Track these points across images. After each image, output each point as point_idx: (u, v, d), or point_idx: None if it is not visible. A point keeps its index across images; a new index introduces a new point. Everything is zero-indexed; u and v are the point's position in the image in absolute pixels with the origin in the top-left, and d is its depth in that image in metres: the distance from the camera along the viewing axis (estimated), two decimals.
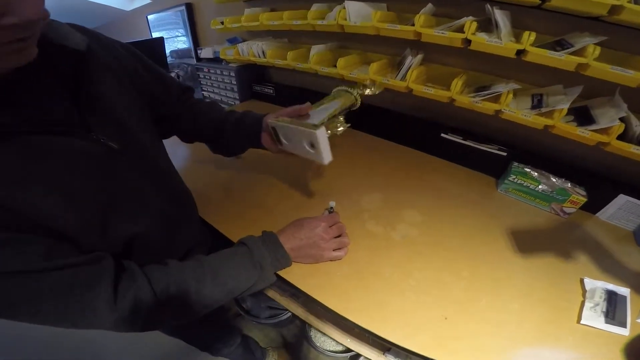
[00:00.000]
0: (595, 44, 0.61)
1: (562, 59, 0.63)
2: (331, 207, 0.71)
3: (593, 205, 0.76)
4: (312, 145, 0.57)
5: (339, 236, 0.64)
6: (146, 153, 0.54)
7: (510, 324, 0.53)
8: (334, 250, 0.63)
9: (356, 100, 0.69)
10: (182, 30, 1.79)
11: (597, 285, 0.59)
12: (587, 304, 0.55)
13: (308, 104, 0.64)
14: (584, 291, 0.58)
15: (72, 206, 0.39)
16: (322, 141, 0.55)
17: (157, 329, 0.50)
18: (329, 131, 0.58)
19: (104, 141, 0.44)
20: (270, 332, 1.51)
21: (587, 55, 0.61)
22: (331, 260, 0.64)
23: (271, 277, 0.58)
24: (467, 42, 0.74)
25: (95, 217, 0.42)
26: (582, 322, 0.53)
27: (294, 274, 0.61)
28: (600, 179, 0.78)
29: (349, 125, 0.63)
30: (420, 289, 0.58)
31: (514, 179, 0.81)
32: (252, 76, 1.50)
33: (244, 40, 1.38)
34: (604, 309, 0.54)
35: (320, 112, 0.63)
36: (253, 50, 1.26)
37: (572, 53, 0.63)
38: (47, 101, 0.39)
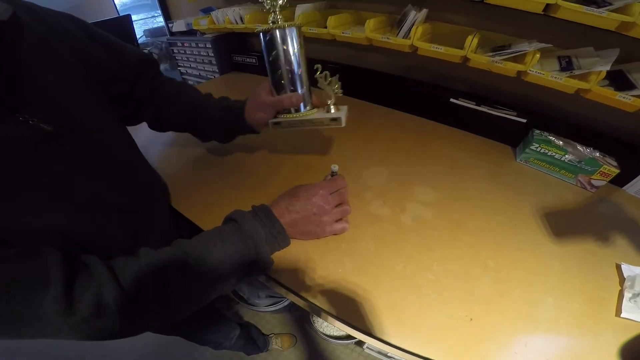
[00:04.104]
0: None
1: (602, 17, 0.56)
2: (333, 172, 0.60)
3: (620, 178, 0.68)
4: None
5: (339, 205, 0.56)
6: (95, 138, 0.45)
7: (545, 321, 0.45)
8: (336, 221, 0.55)
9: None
10: (159, 11, 1.73)
11: (637, 272, 0.52)
12: (626, 294, 0.49)
13: (297, 95, 0.57)
14: (622, 279, 0.51)
15: None
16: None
17: (138, 332, 0.42)
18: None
19: (34, 123, 0.36)
20: (271, 318, 1.48)
21: (633, 14, 0.54)
22: (334, 235, 0.56)
23: (268, 260, 0.49)
24: None
25: (29, 216, 0.36)
26: (622, 315, 0.46)
27: (283, 274, 0.51)
28: (627, 147, 0.70)
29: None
30: (440, 284, 0.49)
31: (536, 147, 0.72)
32: (231, 46, 1.38)
33: (219, 9, 1.24)
34: None
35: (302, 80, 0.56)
36: (229, 17, 1.13)
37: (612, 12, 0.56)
38: None
